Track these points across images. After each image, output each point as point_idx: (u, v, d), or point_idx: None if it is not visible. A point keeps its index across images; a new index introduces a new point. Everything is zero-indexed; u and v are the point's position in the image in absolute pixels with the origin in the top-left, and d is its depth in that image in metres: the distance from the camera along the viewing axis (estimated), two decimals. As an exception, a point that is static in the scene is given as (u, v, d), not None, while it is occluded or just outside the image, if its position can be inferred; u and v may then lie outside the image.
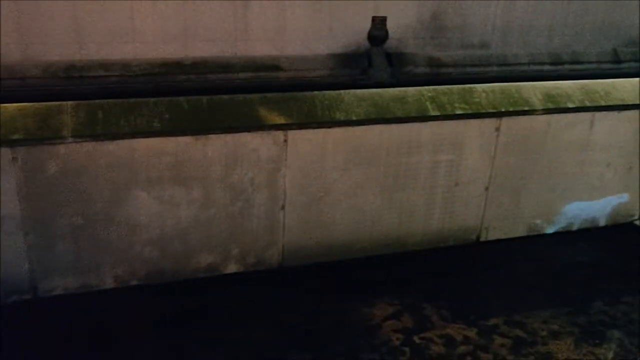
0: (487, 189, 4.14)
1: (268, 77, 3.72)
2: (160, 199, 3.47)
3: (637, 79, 4.41)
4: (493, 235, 4.32)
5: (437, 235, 4.18)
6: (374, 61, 3.87)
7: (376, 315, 3.48)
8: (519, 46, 4.31)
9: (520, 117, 4.03)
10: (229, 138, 3.49)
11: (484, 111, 3.94)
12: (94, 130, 3.28)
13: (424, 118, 3.83)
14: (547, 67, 4.39)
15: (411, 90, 3.89)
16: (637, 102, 4.29)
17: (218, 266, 3.73)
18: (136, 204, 3.44)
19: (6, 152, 3.15)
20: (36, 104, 3.30)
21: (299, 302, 3.58)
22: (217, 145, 3.47)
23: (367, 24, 3.88)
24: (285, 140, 3.59)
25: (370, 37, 3.87)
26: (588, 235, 4.52)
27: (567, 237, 4.48)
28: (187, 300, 3.56)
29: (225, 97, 3.57)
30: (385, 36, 3.90)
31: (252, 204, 3.66)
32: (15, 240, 3.29)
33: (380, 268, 3.97)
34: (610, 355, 3.27)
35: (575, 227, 4.52)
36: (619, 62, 4.59)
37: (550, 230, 4.46)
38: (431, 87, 3.93)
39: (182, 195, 3.50)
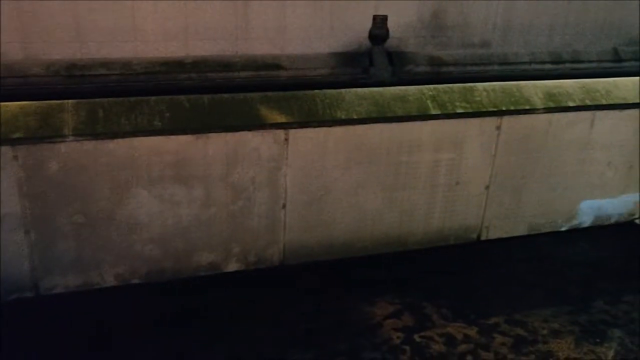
0: (487, 187, 4.14)
1: (269, 75, 3.72)
2: (161, 198, 3.47)
3: (638, 77, 4.40)
4: (494, 234, 4.32)
5: (438, 234, 4.18)
6: (375, 60, 3.87)
7: (377, 314, 3.48)
8: (520, 45, 4.31)
9: (521, 116, 4.02)
10: (230, 137, 3.49)
11: (484, 110, 3.94)
12: (95, 129, 3.28)
13: (425, 117, 3.82)
14: (548, 66, 4.39)
15: (412, 89, 3.89)
16: (638, 100, 4.28)
17: (219, 265, 3.73)
18: (137, 203, 3.44)
19: (7, 150, 3.15)
20: (37, 103, 3.30)
21: (300, 301, 3.58)
22: (218, 144, 3.48)
23: (368, 23, 3.87)
24: (286, 139, 3.60)
25: (371, 36, 3.87)
26: (589, 234, 4.52)
27: (567, 235, 4.48)
28: (188, 298, 3.57)
29: (226, 95, 3.57)
30: (386, 35, 3.90)
31: (253, 203, 3.66)
32: (16, 238, 3.30)
33: (381, 267, 3.97)
34: (611, 354, 3.27)
35: (576, 226, 4.53)
36: (619, 61, 4.59)
37: (551, 229, 4.46)
38: (432, 86, 3.93)
39: (183, 194, 3.50)
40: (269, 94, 3.64)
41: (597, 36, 4.51)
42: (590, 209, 4.51)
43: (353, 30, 3.84)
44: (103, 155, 3.31)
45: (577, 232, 4.53)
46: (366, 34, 3.89)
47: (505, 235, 4.37)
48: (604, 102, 4.22)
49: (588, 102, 4.19)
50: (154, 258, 3.59)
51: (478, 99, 4.00)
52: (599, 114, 4.21)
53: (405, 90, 3.88)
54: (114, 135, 3.31)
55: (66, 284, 3.48)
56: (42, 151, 3.22)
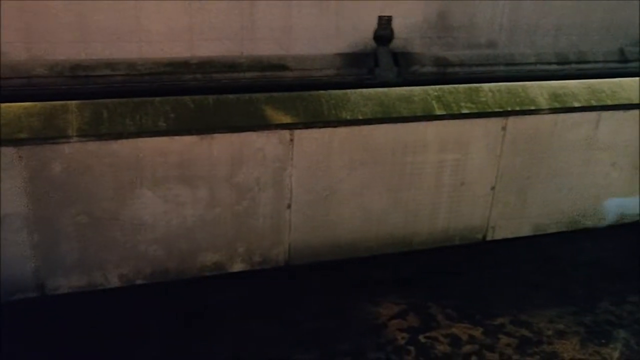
0: (493, 188, 4.13)
1: (274, 76, 3.70)
2: (166, 199, 3.46)
3: (644, 78, 4.43)
4: (499, 235, 4.31)
5: (443, 234, 4.17)
6: (381, 61, 3.86)
7: (382, 314, 3.48)
8: (526, 46, 4.29)
9: (526, 116, 4.01)
10: (235, 137, 3.48)
11: (490, 110, 3.93)
12: (99, 130, 3.27)
13: (430, 117, 3.81)
14: (553, 67, 4.37)
15: (417, 89, 3.88)
16: (643, 101, 4.32)
17: (224, 265, 3.72)
18: (141, 204, 3.43)
19: (11, 151, 3.14)
20: (41, 104, 3.29)
21: (305, 301, 3.58)
22: (223, 144, 3.46)
23: (374, 24, 3.86)
24: (292, 140, 3.59)
25: (377, 36, 3.86)
26: (594, 235, 4.51)
27: (573, 236, 4.47)
28: (192, 299, 3.56)
29: (231, 96, 3.56)
30: (391, 36, 3.89)
31: (258, 203, 3.65)
32: (20, 238, 3.29)
33: (386, 267, 3.96)
34: (616, 355, 3.27)
35: (581, 226, 4.52)
36: (625, 61, 4.57)
37: (556, 229, 4.45)
38: (437, 87, 3.91)
39: (187, 195, 3.49)
40: (275, 94, 3.63)
41: (603, 37, 4.50)
42: (596, 209, 4.52)
43: (359, 30, 3.83)
44: (107, 156, 3.30)
45: (582, 233, 4.52)
46: (372, 35, 3.88)
47: (510, 236, 4.36)
48: (609, 102, 4.20)
49: (594, 103, 4.17)
50: (158, 258, 3.58)
51: (484, 99, 3.99)
52: (605, 114, 4.19)
53: (410, 91, 3.87)
54: (118, 136, 3.29)
55: (70, 284, 3.48)
56: (46, 152, 3.21)
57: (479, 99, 3.98)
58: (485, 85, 4.04)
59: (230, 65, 3.64)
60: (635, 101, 4.27)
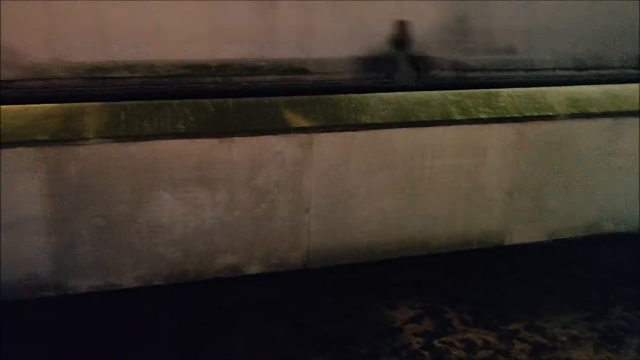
0: (510, 193, 4.13)
1: (294, 79, 3.69)
2: (184, 201, 3.47)
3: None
4: (516, 239, 4.30)
5: (461, 239, 4.16)
6: (399, 65, 3.85)
7: (397, 318, 3.47)
8: (545, 51, 4.26)
9: (544, 122, 4.01)
10: (254, 140, 3.48)
11: (508, 116, 3.93)
12: (117, 132, 3.27)
13: (448, 122, 3.81)
14: (572, 72, 4.34)
15: (436, 94, 3.88)
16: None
17: (241, 267, 3.72)
18: (159, 206, 3.43)
19: (30, 152, 3.14)
20: (60, 105, 3.28)
21: (321, 304, 3.58)
22: (242, 147, 3.46)
23: (392, 28, 3.84)
24: (311, 143, 3.58)
25: (395, 40, 3.84)
26: (609, 240, 4.50)
27: (589, 241, 4.46)
28: (209, 299, 3.57)
29: (251, 99, 3.56)
30: (409, 40, 3.86)
31: (276, 206, 3.65)
32: (39, 239, 3.30)
33: (403, 270, 3.96)
34: (630, 360, 3.31)
35: (597, 232, 4.51)
36: (644, 67, 4.59)
37: (573, 235, 4.45)
38: (456, 91, 3.91)
39: (206, 197, 3.49)
40: (294, 98, 3.62)
41: (622, 42, 4.46)
42: (613, 215, 4.51)
43: (378, 34, 3.80)
44: (125, 158, 3.30)
45: (598, 238, 4.51)
46: (390, 39, 3.86)
47: (527, 241, 4.35)
48: (627, 108, 4.21)
49: (612, 109, 4.17)
50: (175, 260, 3.58)
51: (502, 104, 3.98)
52: (623, 120, 4.20)
53: (429, 95, 3.87)
54: (136, 138, 3.29)
55: (88, 284, 3.48)
56: (64, 153, 3.21)
57: (497, 104, 3.98)
58: (504, 91, 4.04)
59: (251, 68, 3.63)
60: (653, 107, 4.31)
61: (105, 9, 3.30)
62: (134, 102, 3.37)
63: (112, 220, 3.40)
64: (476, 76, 4.17)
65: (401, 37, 3.88)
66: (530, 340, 3.37)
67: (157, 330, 3.28)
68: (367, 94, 3.71)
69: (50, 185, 3.22)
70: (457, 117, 3.81)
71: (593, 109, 4.12)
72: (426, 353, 3.23)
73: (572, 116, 4.06)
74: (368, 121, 3.65)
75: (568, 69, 4.35)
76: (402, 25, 3.85)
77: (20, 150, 3.12)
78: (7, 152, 3.12)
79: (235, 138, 3.43)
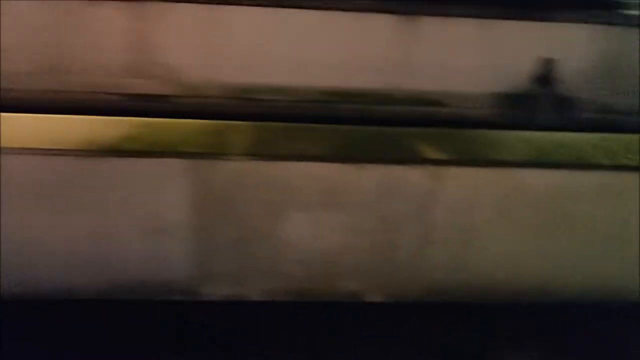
0: (653, 247, 3.88)
1: (428, 112, 3.74)
2: (313, 222, 3.58)
3: None
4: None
5: (593, 289, 3.90)
6: (541, 103, 3.77)
7: (514, 366, 3.37)
8: None
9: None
10: (385, 169, 3.53)
11: (657, 164, 3.73)
12: (260, 151, 3.48)
13: (588, 166, 3.65)
14: None
15: (577, 135, 3.75)
16: None
17: (361, 294, 3.76)
18: (289, 224, 3.57)
19: (182, 163, 3.42)
20: (210, 122, 3.61)
21: (434, 339, 3.51)
22: (372, 174, 3.53)
23: (535, 66, 3.79)
24: (441, 176, 3.56)
25: (538, 79, 3.79)
26: None
27: None
28: (326, 321, 3.62)
29: (384, 128, 3.66)
30: (553, 79, 3.79)
31: (402, 236, 3.66)
32: (180, 245, 3.55)
33: (524, 316, 3.78)
34: None
35: None
36: None
37: None
38: (599, 135, 3.77)
39: (333, 220, 3.58)
40: (428, 129, 3.67)
41: None
42: None
43: (518, 72, 3.78)
44: (263, 176, 3.48)
45: None
46: (532, 77, 3.81)
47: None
48: None
49: None
50: (299, 279, 3.70)
51: (648, 151, 3.77)
52: None
53: (569, 137, 3.75)
54: (275, 158, 3.47)
55: (218, 293, 3.68)
56: (211, 167, 3.45)
57: (643, 150, 3.77)
58: (652, 137, 3.83)
59: (385, 98, 3.73)
60: None
61: (256, 38, 3.58)
62: (276, 124, 3.62)
63: (247, 234, 3.59)
64: (621, 119, 3.99)
65: (546, 75, 3.81)
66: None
67: (274, 344, 3.39)
68: (504, 131, 3.68)
69: (196, 195, 3.48)
70: (598, 162, 3.65)
71: None
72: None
73: None
74: (501, 158, 3.59)
75: None
76: (548, 63, 3.78)
77: (171, 160, 3.41)
78: (158, 161, 3.42)
79: (366, 165, 3.51)
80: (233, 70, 3.56)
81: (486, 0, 3.66)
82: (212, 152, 3.43)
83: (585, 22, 3.73)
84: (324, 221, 3.58)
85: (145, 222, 3.47)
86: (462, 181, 3.61)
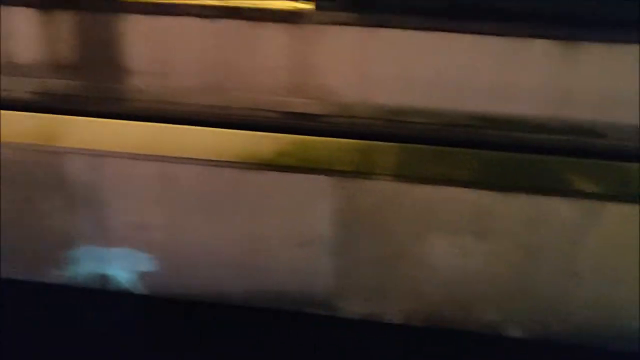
0: None
1: (584, 142, 3.57)
2: (455, 247, 3.54)
3: None
4: None
5: None
6: None
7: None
8: None
9: None
10: (534, 198, 3.41)
11: None
12: (407, 172, 3.49)
13: None
14: None
15: None
16: None
17: (499, 326, 3.64)
18: (431, 247, 3.56)
19: (330, 180, 3.52)
20: (360, 141, 3.63)
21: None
22: (520, 203, 3.42)
23: None
24: (595, 211, 3.38)
25: None
26: None
27: None
28: (460, 352, 3.58)
29: (535, 156, 3.51)
30: None
31: (546, 270, 3.51)
32: (323, 260, 3.66)
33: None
34: None
35: None
36: None
37: None
38: None
39: (476, 247, 3.52)
40: (582, 160, 3.49)
41: None
42: None
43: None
44: (409, 197, 3.50)
45: None
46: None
47: None
48: None
49: None
50: (437, 304, 3.67)
51: None
52: None
53: None
54: (421, 181, 3.48)
55: (355, 310, 3.73)
56: (358, 185, 3.52)
57: None
58: None
59: (538, 126, 3.61)
60: None
61: (410, 60, 3.61)
62: (424, 146, 3.59)
63: (388, 254, 3.62)
64: None
65: None
66: None
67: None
68: (666, 167, 3.44)
69: (341, 212, 3.57)
70: None
71: None
72: None
73: None
74: (666, 196, 3.39)
75: None
76: None
77: (320, 177, 3.53)
78: (308, 177, 3.55)
79: (515, 193, 3.41)
80: (386, 92, 3.61)
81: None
82: (359, 171, 3.51)
83: None
84: (467, 247, 3.53)
85: (292, 234, 3.63)
86: (615, 217, 3.41)
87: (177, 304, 3.81)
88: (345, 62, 3.64)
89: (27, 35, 3.82)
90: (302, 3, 3.76)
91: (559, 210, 3.43)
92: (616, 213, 3.40)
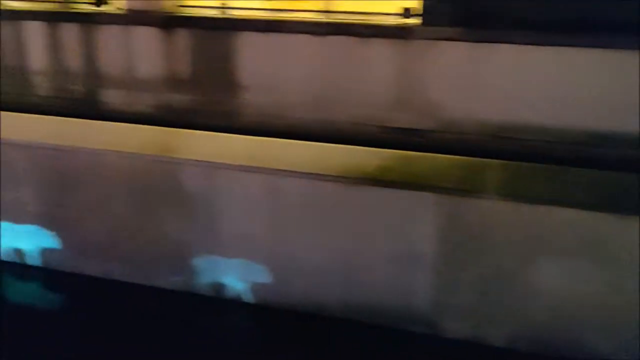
0: None
1: None
2: (565, 271, 3.37)
3: None
4: None
5: None
6: None
7: None
8: None
9: None
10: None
11: None
12: (515, 191, 3.39)
13: None
14: None
15: None
16: None
17: (608, 357, 3.42)
18: (540, 270, 3.41)
19: (433, 197, 3.48)
20: (466, 158, 3.58)
21: None
22: (637, 228, 3.23)
23: None
24: None
25: None
26: None
27: None
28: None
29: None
30: None
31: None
32: (425, 277, 3.61)
33: None
34: None
35: None
36: None
37: None
38: None
39: (589, 272, 3.34)
40: None
41: None
42: None
43: None
44: (516, 217, 3.38)
45: None
46: None
47: None
48: None
49: None
50: (543, 329, 3.51)
51: None
52: None
53: None
54: (530, 201, 3.35)
55: (457, 331, 3.65)
56: (463, 203, 3.46)
57: None
58: None
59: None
60: None
61: (518, 76, 3.49)
62: (533, 165, 3.47)
63: (494, 275, 3.51)
64: None
65: None
66: None
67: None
68: None
69: (445, 230, 3.51)
70: None
71: None
72: None
73: None
74: None
75: None
76: None
77: (423, 193, 3.49)
78: (410, 193, 3.51)
79: (632, 216, 3.20)
80: (493, 108, 3.51)
81: None
82: (465, 188, 3.44)
83: None
84: (578, 272, 3.35)
85: (393, 250, 3.61)
86: None
87: (280, 312, 3.89)
88: (452, 77, 3.58)
89: (147, 53, 4.11)
90: (409, 19, 3.77)
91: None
92: None
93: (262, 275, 3.87)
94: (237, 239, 3.88)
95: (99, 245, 4.17)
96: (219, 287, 4.02)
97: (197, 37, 3.92)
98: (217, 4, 4.06)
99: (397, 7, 3.77)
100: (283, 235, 3.78)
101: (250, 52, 3.84)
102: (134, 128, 4.07)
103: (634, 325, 3.36)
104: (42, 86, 4.32)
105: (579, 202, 3.29)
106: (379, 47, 3.63)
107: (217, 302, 3.98)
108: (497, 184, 3.43)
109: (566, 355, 3.51)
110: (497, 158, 3.55)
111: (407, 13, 3.77)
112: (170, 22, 3.98)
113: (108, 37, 4.12)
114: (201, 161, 3.79)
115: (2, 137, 4.08)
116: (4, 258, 4.44)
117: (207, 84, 3.97)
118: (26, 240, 4.30)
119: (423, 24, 3.60)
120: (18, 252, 4.39)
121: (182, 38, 3.96)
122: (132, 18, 4.04)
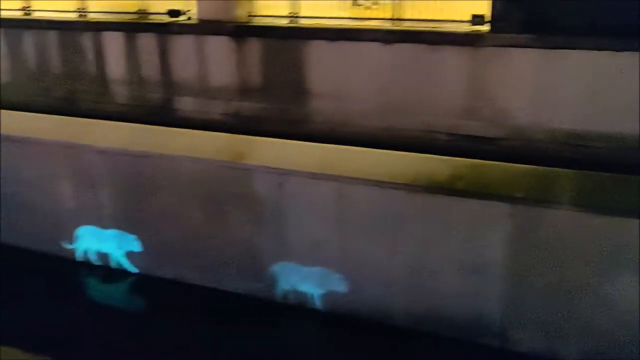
0: None
1: None
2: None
3: None
4: None
5: None
6: None
7: None
8: None
9: None
10: None
11: None
12: (587, 202, 3.28)
13: None
14: None
15: None
16: None
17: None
18: (614, 282, 3.28)
19: (504, 206, 3.38)
20: (538, 167, 3.54)
21: None
22: None
23: None
24: None
25: None
26: None
27: None
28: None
29: None
30: None
31: None
32: (495, 288, 3.51)
33: None
34: None
35: None
36: None
37: None
38: None
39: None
40: None
41: None
42: None
43: None
44: (590, 229, 3.27)
45: None
46: None
47: None
48: None
49: None
50: (619, 345, 3.35)
51: None
52: None
53: None
54: (604, 212, 3.24)
55: (527, 343, 3.53)
56: (534, 213, 3.35)
57: None
58: None
59: None
60: None
61: (593, 83, 3.41)
62: (607, 174, 3.37)
63: (566, 288, 3.40)
64: None
65: None
66: None
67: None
68: None
69: (516, 240, 3.40)
70: None
71: None
72: None
73: None
74: None
75: None
76: None
77: (494, 202, 3.40)
78: (481, 203, 3.42)
79: None
80: (565, 115, 3.48)
81: None
82: (537, 198, 3.35)
83: None
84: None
85: (463, 259, 3.54)
86: None
87: (352, 321, 3.86)
88: (522, 85, 3.57)
89: (220, 61, 4.25)
90: (478, 26, 3.76)
91: None
92: None
93: (339, 284, 3.85)
94: (311, 247, 3.87)
95: (176, 249, 4.24)
96: (294, 294, 4.02)
97: (268, 46, 4.03)
98: (287, 13, 4.18)
99: (466, 14, 3.80)
100: (355, 244, 3.76)
101: (319, 61, 3.92)
102: (207, 135, 4.19)
103: None
104: (120, 94, 4.56)
105: (656, 214, 3.21)
106: (448, 55, 3.65)
107: (290, 309, 3.96)
108: (570, 193, 3.33)
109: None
110: (567, 166, 3.50)
111: (476, 20, 3.79)
112: (241, 32, 4.11)
113: (182, 47, 4.29)
114: (271, 168, 3.81)
115: (84, 143, 4.27)
116: (90, 261, 4.56)
117: (277, 92, 4.07)
118: (109, 243, 4.39)
119: (492, 30, 3.60)
120: (102, 255, 4.50)
121: (253, 47, 4.08)
122: (205, 28, 4.20)
